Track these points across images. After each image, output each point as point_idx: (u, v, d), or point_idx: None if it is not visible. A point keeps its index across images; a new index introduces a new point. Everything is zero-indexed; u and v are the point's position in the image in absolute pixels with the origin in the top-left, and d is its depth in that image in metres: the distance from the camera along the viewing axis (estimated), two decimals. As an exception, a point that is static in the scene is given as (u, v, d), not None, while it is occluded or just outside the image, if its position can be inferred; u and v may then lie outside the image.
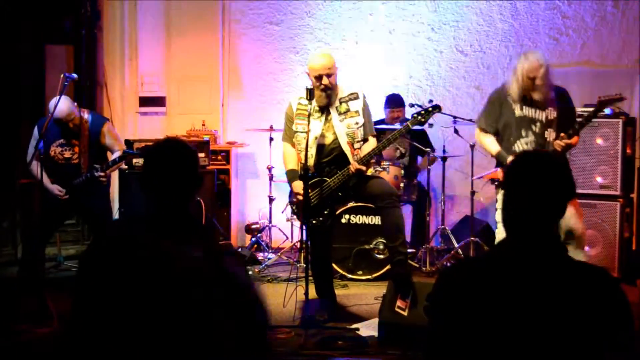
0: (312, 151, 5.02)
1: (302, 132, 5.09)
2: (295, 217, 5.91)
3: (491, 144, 5.30)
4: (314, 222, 5.10)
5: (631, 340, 1.97)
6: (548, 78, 5.10)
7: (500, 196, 5.20)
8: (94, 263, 2.26)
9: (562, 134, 4.99)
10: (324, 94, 5.06)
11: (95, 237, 5.89)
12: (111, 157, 6.06)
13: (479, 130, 5.42)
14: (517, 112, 5.17)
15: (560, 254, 2.06)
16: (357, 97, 5.16)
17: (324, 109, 5.11)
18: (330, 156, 5.11)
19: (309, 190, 4.98)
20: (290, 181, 5.18)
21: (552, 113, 5.11)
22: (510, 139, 5.20)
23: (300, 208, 5.03)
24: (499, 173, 5.25)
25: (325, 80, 4.99)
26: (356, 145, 5.09)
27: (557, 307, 1.95)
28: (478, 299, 2.01)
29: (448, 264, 6.62)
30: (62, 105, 5.70)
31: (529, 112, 5.15)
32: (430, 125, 6.45)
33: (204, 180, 6.62)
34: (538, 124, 5.13)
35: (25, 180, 6.67)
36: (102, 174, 5.87)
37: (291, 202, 5.30)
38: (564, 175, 2.12)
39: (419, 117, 5.12)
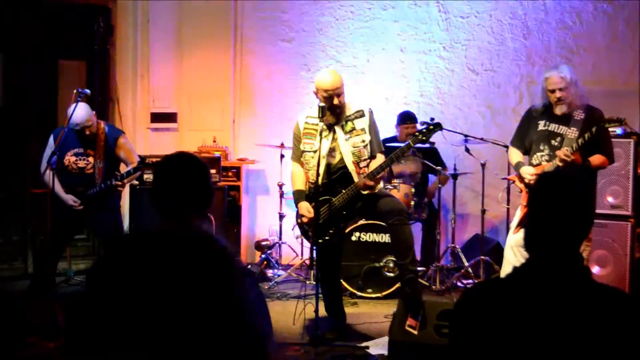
0: (320, 170, 5.00)
1: (309, 151, 5.09)
2: (303, 237, 5.91)
3: (513, 156, 5.44)
4: (320, 240, 5.09)
5: None
6: (572, 94, 5.12)
7: (516, 218, 5.22)
8: (102, 277, 2.26)
9: (566, 149, 5.02)
10: (333, 112, 5.05)
11: (105, 252, 5.88)
12: (125, 169, 6.05)
13: (510, 146, 5.56)
14: (540, 127, 5.25)
15: (582, 276, 2.04)
16: (362, 115, 5.13)
17: (331, 128, 5.10)
18: (336, 175, 5.09)
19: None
20: (296, 202, 5.16)
21: (574, 132, 5.09)
22: (531, 152, 5.32)
23: (308, 228, 5.04)
24: (516, 177, 5.37)
25: (335, 101, 4.99)
26: (362, 164, 5.06)
27: (579, 330, 1.93)
28: (500, 320, 2.00)
29: (468, 285, 6.57)
30: (81, 111, 5.72)
31: (551, 127, 5.19)
32: (432, 143, 6.44)
33: (215, 196, 6.63)
34: (559, 139, 5.14)
35: (37, 190, 6.67)
36: (120, 182, 5.87)
37: (298, 223, 5.28)
38: (585, 198, 2.12)
39: (420, 136, 5.11)
